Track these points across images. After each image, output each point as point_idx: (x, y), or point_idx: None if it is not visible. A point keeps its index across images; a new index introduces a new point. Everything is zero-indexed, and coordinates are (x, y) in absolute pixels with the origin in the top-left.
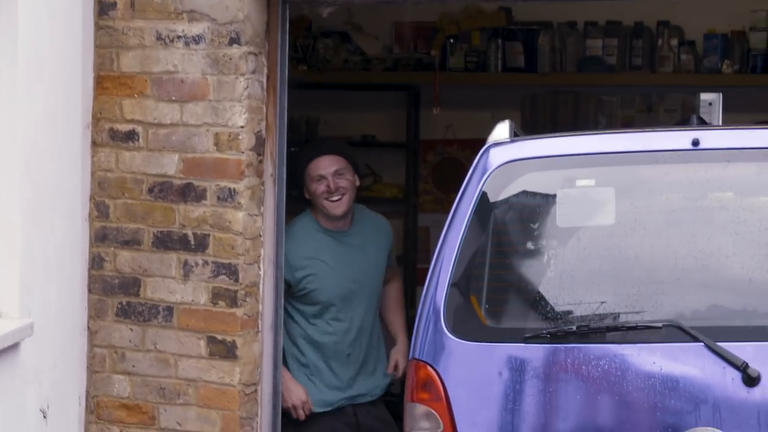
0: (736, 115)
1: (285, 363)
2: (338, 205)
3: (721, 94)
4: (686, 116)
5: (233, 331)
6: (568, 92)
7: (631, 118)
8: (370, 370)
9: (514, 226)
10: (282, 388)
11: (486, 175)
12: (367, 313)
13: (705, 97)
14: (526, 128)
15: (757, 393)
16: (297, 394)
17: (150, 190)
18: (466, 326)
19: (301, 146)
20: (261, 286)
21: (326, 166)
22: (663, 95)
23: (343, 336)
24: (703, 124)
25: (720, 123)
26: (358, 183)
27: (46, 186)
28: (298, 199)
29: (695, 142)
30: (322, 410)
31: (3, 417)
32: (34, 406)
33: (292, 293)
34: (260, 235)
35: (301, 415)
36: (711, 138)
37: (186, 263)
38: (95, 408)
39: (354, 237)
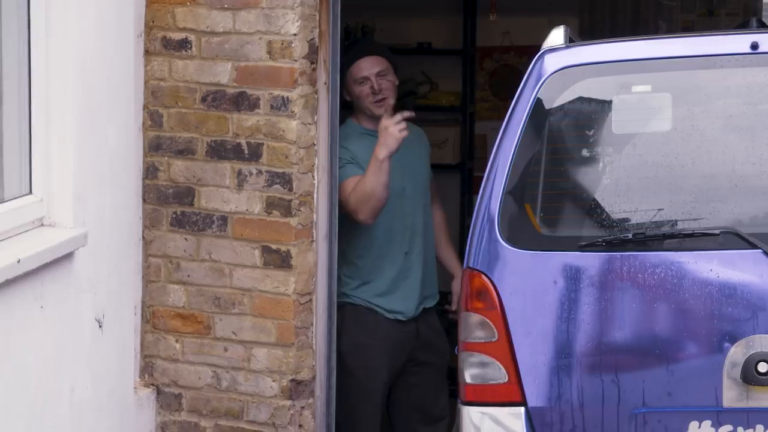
0: None
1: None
2: (382, 105)
3: None
4: (746, 19)
5: (288, 240)
6: None
7: (692, 23)
8: (429, 277)
9: (569, 133)
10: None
11: (541, 82)
12: (417, 216)
13: None
14: (584, 34)
15: None
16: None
17: (203, 99)
18: (521, 235)
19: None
20: (315, 196)
21: (369, 67)
22: None
23: (401, 235)
24: (763, 27)
25: None
26: (397, 83)
27: (100, 95)
28: (350, 107)
29: (754, 46)
30: (392, 317)
31: (59, 326)
32: (90, 316)
33: None
34: (314, 144)
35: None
36: None
37: (240, 173)
38: (151, 317)
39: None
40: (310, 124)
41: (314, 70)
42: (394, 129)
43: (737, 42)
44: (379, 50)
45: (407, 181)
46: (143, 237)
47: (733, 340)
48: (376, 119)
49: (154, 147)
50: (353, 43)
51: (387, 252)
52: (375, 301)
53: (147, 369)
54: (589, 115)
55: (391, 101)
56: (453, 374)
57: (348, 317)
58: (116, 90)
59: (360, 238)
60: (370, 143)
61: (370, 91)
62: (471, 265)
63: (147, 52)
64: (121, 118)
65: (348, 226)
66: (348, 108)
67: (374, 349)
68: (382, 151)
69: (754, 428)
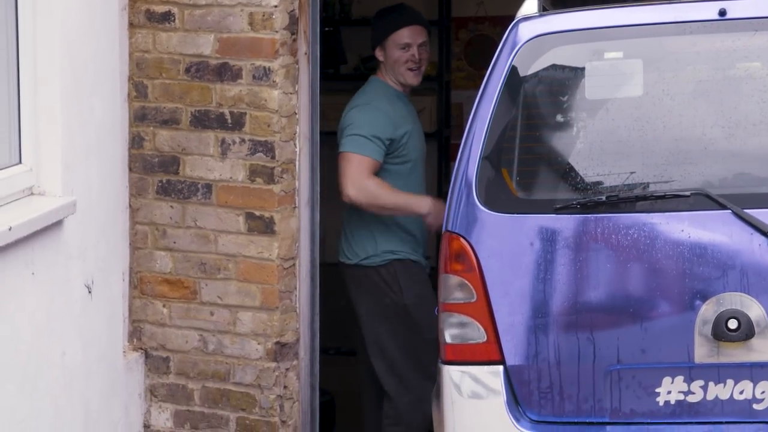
0: None
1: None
2: (417, 75)
3: None
4: None
5: (271, 207)
6: None
7: None
8: (424, 240)
9: (543, 100)
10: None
11: (515, 50)
12: (422, 185)
13: None
14: (557, 3)
15: None
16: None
17: (187, 70)
18: (498, 198)
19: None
20: (297, 163)
21: (415, 36)
22: None
23: (419, 191)
24: None
25: None
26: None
27: (85, 67)
28: (332, 78)
29: (722, 12)
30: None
31: (49, 292)
32: (79, 282)
33: (390, 152)
34: (295, 113)
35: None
36: (738, 8)
37: (223, 141)
38: (138, 283)
39: (410, 103)
40: (291, 93)
41: (295, 40)
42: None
43: (706, 9)
44: (424, 21)
45: (424, 141)
46: (130, 205)
47: (704, 298)
48: (404, 85)
49: (139, 117)
50: (398, 8)
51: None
52: (416, 253)
53: (135, 333)
54: (563, 81)
55: (423, 71)
56: None
57: (400, 272)
58: (101, 62)
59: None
60: (403, 105)
61: (410, 58)
62: (449, 229)
63: (131, 25)
64: (107, 89)
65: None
66: (327, 79)
67: (432, 299)
68: (425, 211)
69: (725, 383)
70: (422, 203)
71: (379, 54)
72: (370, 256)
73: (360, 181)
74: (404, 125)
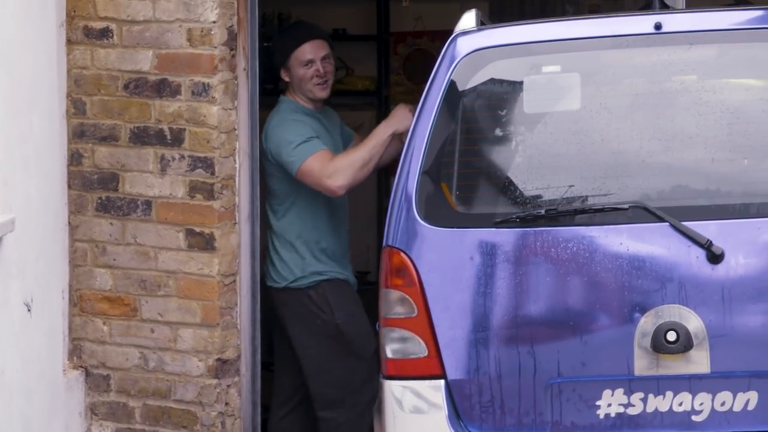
0: None
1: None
2: (325, 89)
3: None
4: (649, 1)
5: (211, 223)
6: None
7: (598, 6)
8: (348, 259)
9: (482, 114)
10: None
11: (454, 64)
12: (345, 203)
13: None
14: (494, 18)
15: (721, 270)
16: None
17: (125, 87)
18: (438, 213)
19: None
20: (237, 179)
21: (315, 51)
22: None
23: (343, 212)
24: (665, 8)
25: (683, 6)
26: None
27: (23, 84)
28: (271, 93)
29: (658, 26)
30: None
31: None
32: (18, 300)
33: None
34: (235, 129)
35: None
36: (673, 22)
37: (163, 158)
38: (78, 301)
39: (325, 119)
40: (230, 109)
41: (234, 56)
42: (407, 109)
43: (642, 23)
44: (323, 34)
45: None
46: (69, 222)
47: (643, 310)
48: (314, 101)
49: (78, 134)
50: (295, 26)
51: (336, 228)
52: (344, 273)
53: (75, 351)
54: (502, 95)
55: (331, 83)
56: None
57: (329, 292)
58: (40, 78)
59: (314, 219)
60: (317, 122)
61: (315, 73)
62: (390, 243)
63: (69, 41)
64: (45, 106)
65: (297, 210)
66: (267, 95)
67: (363, 316)
68: (391, 127)
69: (664, 395)
70: (387, 127)
71: (284, 75)
72: (297, 278)
73: (329, 170)
74: (322, 139)
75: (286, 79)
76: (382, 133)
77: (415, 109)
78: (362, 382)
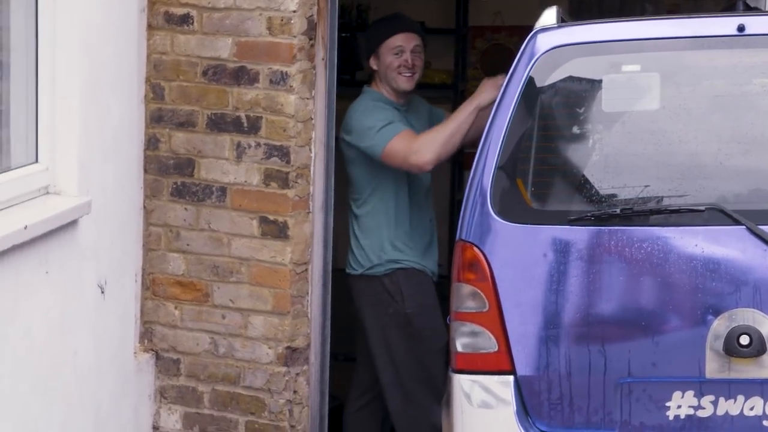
0: None
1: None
2: (410, 81)
3: None
4: (732, 2)
5: (285, 211)
6: None
7: (677, 5)
8: (433, 248)
9: (560, 111)
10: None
11: (533, 60)
12: (428, 191)
13: None
14: (573, 15)
15: None
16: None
17: (204, 73)
18: (512, 208)
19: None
20: (312, 168)
21: (408, 40)
22: None
23: (426, 200)
24: (749, 9)
25: (766, 8)
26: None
27: (104, 68)
28: (348, 83)
29: (741, 28)
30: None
31: (62, 292)
32: (92, 282)
33: None
34: (311, 118)
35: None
36: (756, 24)
37: (239, 145)
38: (151, 285)
39: (410, 114)
40: (308, 98)
41: (312, 46)
42: (492, 83)
43: (724, 24)
44: (418, 29)
45: None
46: (144, 206)
47: (717, 313)
48: (397, 93)
49: (155, 119)
50: (392, 16)
51: (419, 217)
52: (422, 262)
53: (146, 335)
54: (580, 93)
55: (417, 77)
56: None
57: (403, 281)
58: (120, 63)
59: (395, 208)
60: (400, 114)
61: (403, 63)
62: (463, 238)
63: (150, 27)
64: (124, 90)
65: (377, 199)
66: (344, 85)
67: (436, 309)
68: (475, 100)
69: (735, 399)
70: (471, 101)
71: (373, 63)
72: (374, 266)
73: (414, 147)
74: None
75: (374, 67)
76: (467, 107)
77: (501, 84)
78: (432, 376)
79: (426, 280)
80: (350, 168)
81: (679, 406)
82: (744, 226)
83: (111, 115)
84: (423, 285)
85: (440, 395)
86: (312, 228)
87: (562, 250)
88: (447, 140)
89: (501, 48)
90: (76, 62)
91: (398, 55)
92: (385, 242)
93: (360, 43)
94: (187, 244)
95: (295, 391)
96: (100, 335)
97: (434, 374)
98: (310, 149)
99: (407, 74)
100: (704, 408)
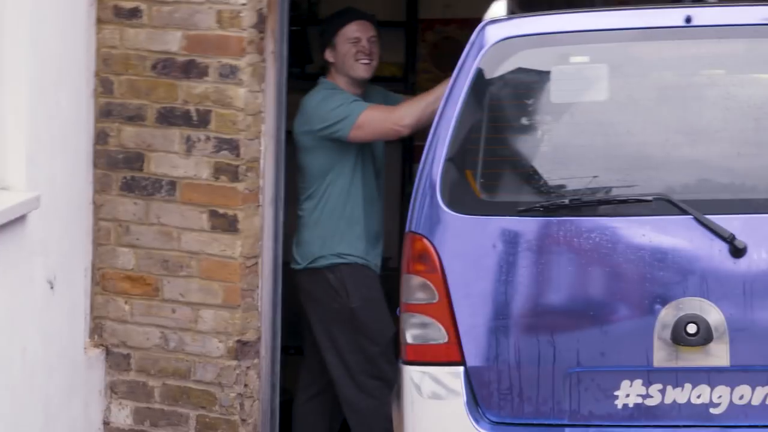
0: None
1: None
2: (368, 68)
3: None
4: None
5: (234, 205)
6: None
7: None
8: (380, 240)
9: (509, 102)
10: None
11: (482, 52)
12: (379, 179)
13: None
14: (523, 7)
15: (743, 264)
16: None
17: (153, 67)
18: (462, 200)
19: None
20: (262, 161)
21: (363, 30)
22: None
23: (376, 189)
24: (696, 1)
25: (714, 0)
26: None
27: (52, 62)
28: (299, 77)
29: (688, 19)
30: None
31: (11, 287)
32: (41, 278)
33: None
34: (261, 112)
35: None
36: (703, 15)
37: (188, 139)
38: (101, 279)
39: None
40: (257, 92)
41: (262, 39)
42: None
43: (672, 15)
44: (372, 19)
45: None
46: (94, 201)
47: (664, 302)
48: (353, 83)
49: (105, 113)
50: (345, 9)
51: (369, 207)
52: (367, 257)
53: (96, 330)
54: (529, 84)
55: (375, 66)
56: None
57: (347, 276)
58: (68, 57)
59: (346, 200)
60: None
61: (361, 50)
62: (413, 229)
63: (99, 21)
64: (73, 85)
65: (329, 191)
66: (294, 79)
67: (381, 302)
68: None
69: (683, 387)
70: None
71: (329, 55)
72: (317, 258)
73: (393, 112)
74: None
75: (330, 59)
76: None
77: None
78: (381, 369)
79: (370, 274)
80: (305, 158)
81: (628, 395)
82: (691, 216)
83: (59, 110)
84: (367, 279)
85: (392, 387)
86: (262, 221)
87: (511, 241)
88: (426, 107)
89: (451, 41)
90: (23, 57)
91: (355, 43)
92: (333, 235)
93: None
94: (137, 239)
95: (245, 385)
96: (49, 331)
97: (383, 368)
98: (259, 142)
99: (365, 61)
100: (652, 396)
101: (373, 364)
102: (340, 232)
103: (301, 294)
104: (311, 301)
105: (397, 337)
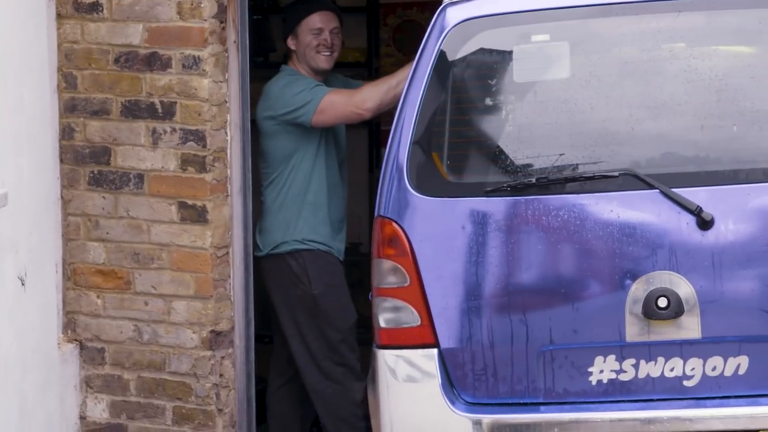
0: None
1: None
2: (329, 60)
3: None
4: None
5: (203, 195)
6: None
7: None
8: (343, 227)
9: (472, 83)
10: None
11: (443, 34)
12: (341, 167)
13: None
14: None
15: (711, 236)
16: None
17: (116, 60)
18: (429, 182)
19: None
20: (229, 151)
21: (326, 21)
22: None
23: (341, 181)
24: None
25: None
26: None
27: (13, 59)
28: (262, 65)
29: None
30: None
31: None
32: (12, 274)
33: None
34: (226, 101)
35: None
36: None
37: (154, 131)
38: (72, 274)
39: None
40: (221, 81)
41: (224, 29)
42: None
43: None
44: (335, 9)
45: (343, 128)
46: (62, 196)
47: (634, 277)
48: (315, 71)
49: (69, 108)
50: None
51: (333, 193)
52: (330, 244)
53: (70, 325)
54: (491, 65)
55: (336, 57)
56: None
57: (309, 263)
58: (29, 53)
59: (308, 186)
60: None
61: (322, 42)
62: (382, 214)
63: (59, 16)
64: (36, 80)
65: (292, 176)
66: (257, 67)
67: (343, 288)
68: None
69: (656, 361)
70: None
71: (291, 43)
72: (279, 244)
73: (356, 95)
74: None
75: (292, 47)
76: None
77: None
78: (344, 356)
79: (333, 261)
80: (268, 143)
81: (602, 371)
82: (658, 190)
83: (23, 106)
84: (329, 266)
85: (356, 373)
86: (231, 211)
87: (480, 221)
88: (389, 90)
89: (413, 24)
90: None
91: (317, 35)
92: (296, 219)
93: (277, 24)
94: (107, 233)
95: (221, 375)
96: (22, 327)
97: (345, 354)
98: (225, 132)
99: (326, 53)
100: (626, 371)
101: (336, 350)
102: (304, 216)
103: (265, 281)
104: (276, 287)
105: (365, 323)
